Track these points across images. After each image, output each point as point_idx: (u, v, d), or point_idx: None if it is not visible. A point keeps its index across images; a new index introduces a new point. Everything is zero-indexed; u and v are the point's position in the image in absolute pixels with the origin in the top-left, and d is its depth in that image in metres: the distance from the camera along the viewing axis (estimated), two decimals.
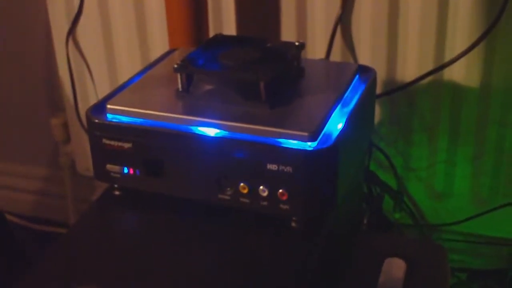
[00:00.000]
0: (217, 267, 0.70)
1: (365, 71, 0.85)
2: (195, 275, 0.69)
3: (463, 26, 1.05)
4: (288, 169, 0.69)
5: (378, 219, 1.11)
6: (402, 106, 1.13)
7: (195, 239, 0.74)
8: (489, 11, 1.03)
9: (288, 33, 1.13)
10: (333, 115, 0.74)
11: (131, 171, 0.76)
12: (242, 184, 0.71)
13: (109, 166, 0.77)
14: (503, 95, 1.09)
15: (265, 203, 0.71)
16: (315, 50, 1.13)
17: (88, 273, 0.70)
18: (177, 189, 0.75)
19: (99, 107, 0.77)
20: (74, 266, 0.71)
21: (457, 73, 1.08)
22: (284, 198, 0.70)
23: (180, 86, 0.77)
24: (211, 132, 0.71)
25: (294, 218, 0.73)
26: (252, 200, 0.72)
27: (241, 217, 0.74)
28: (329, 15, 1.10)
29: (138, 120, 0.74)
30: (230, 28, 1.16)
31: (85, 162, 1.39)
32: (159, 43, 1.21)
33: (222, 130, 0.71)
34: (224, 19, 1.15)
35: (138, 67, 1.19)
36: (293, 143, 0.68)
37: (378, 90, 1.07)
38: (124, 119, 0.75)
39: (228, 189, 0.72)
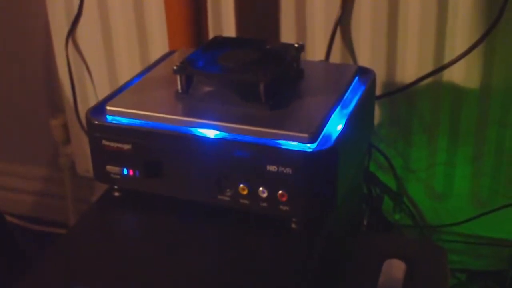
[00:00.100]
0: (216, 268, 0.70)
1: (364, 73, 0.85)
2: (195, 276, 0.69)
3: (463, 27, 1.05)
4: (288, 170, 0.69)
5: (378, 220, 1.11)
6: (402, 107, 1.13)
7: (195, 240, 0.74)
8: (489, 12, 1.03)
9: (287, 35, 1.13)
10: (332, 116, 0.74)
11: (131, 172, 0.76)
12: (242, 185, 0.71)
13: (109, 167, 0.77)
14: (503, 96, 1.09)
15: (265, 204, 0.71)
16: (315, 52, 1.13)
17: (87, 274, 0.70)
18: (177, 190, 0.75)
19: (99, 109, 0.77)
20: (74, 267, 0.71)
21: (457, 74, 1.08)
22: (284, 199, 0.70)
23: (179, 87, 0.77)
24: (211, 133, 0.71)
25: (294, 219, 0.73)
26: (252, 201, 0.72)
27: (241, 218, 0.74)
28: (328, 17, 1.10)
29: (138, 122, 0.74)
30: (229, 29, 1.16)
31: (85, 163, 1.39)
32: (158, 45, 1.21)
33: (221, 132, 0.71)
34: (224, 20, 1.15)
35: (137, 69, 1.20)
36: (292, 145, 0.69)
37: (378, 91, 1.07)
38: (124, 120, 0.75)
39: (228, 190, 0.72)
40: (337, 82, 0.83)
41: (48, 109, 1.46)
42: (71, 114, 1.35)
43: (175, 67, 0.76)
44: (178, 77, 0.77)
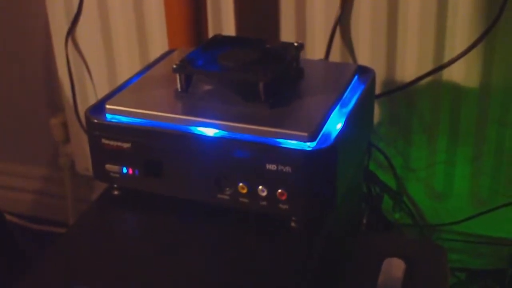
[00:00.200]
0: (216, 267, 0.70)
1: (364, 72, 0.85)
2: (195, 275, 0.69)
3: (462, 26, 1.05)
4: (287, 169, 0.69)
5: (378, 219, 1.11)
6: (402, 106, 1.13)
7: (194, 239, 0.74)
8: (489, 11, 1.02)
9: (287, 34, 1.13)
10: (332, 115, 0.74)
11: (130, 171, 0.76)
12: (241, 184, 0.71)
13: (108, 166, 0.77)
14: (502, 95, 1.09)
15: (264, 203, 0.71)
16: (314, 51, 1.13)
17: (87, 273, 0.70)
18: (176, 189, 0.75)
19: (98, 107, 0.77)
20: (74, 266, 0.71)
21: (457, 73, 1.08)
22: (283, 198, 0.70)
23: (179, 86, 0.77)
24: (210, 132, 0.71)
25: (293, 218, 0.73)
26: (252, 200, 0.72)
27: (240, 218, 0.74)
28: (328, 16, 1.10)
29: (137, 120, 0.74)
30: (229, 28, 1.16)
31: (84, 162, 1.39)
32: (158, 43, 1.21)
33: (221, 130, 0.71)
34: (224, 19, 1.15)
35: (137, 67, 1.19)
36: (292, 143, 0.69)
37: (378, 90, 1.07)
38: (123, 119, 0.75)
39: (227, 189, 0.72)
40: (336, 81, 0.82)
41: (48, 108, 1.46)
42: (70, 113, 1.35)
43: (174, 66, 0.76)
44: (177, 76, 0.77)
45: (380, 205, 1.11)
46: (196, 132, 0.71)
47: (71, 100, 1.33)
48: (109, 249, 0.73)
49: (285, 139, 0.69)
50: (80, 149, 1.38)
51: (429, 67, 1.08)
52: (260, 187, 0.71)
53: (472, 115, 1.11)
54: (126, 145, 0.74)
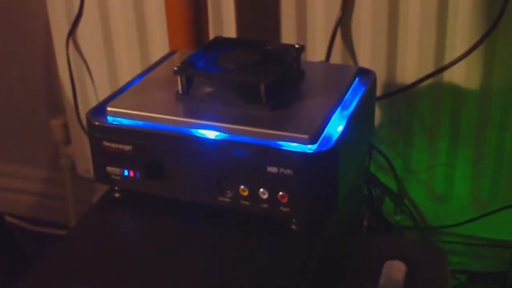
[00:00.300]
0: (217, 269, 0.70)
1: (365, 74, 0.85)
2: (196, 277, 0.69)
3: (463, 28, 1.05)
4: (288, 171, 0.69)
5: (378, 221, 1.11)
6: (402, 109, 1.13)
7: (195, 241, 0.74)
8: (489, 13, 1.03)
9: (288, 36, 1.13)
10: (333, 117, 0.74)
11: (132, 174, 0.76)
12: (242, 186, 0.71)
13: (109, 169, 0.77)
14: (503, 97, 1.09)
15: (265, 205, 0.71)
16: (315, 53, 1.13)
17: (88, 275, 0.70)
18: (178, 191, 0.75)
19: (99, 110, 0.77)
20: (74, 268, 0.71)
21: (457, 76, 1.08)
22: (284, 200, 0.70)
23: (180, 88, 0.77)
24: (211, 134, 0.71)
25: (294, 221, 0.73)
26: (253, 202, 0.72)
27: (241, 220, 0.74)
28: (329, 17, 1.10)
29: (139, 123, 0.74)
30: (230, 30, 1.16)
31: (85, 164, 1.39)
32: (159, 45, 1.21)
33: (222, 133, 0.71)
34: (224, 21, 1.15)
35: (138, 69, 1.20)
36: (293, 146, 0.69)
37: (378, 92, 1.07)
38: (125, 121, 0.75)
39: (228, 191, 0.72)
40: (337, 83, 0.82)
41: (49, 110, 1.46)
42: (71, 114, 1.35)
43: (175, 68, 0.76)
44: (178, 78, 0.77)
45: (381, 207, 1.11)
46: (197, 134, 0.71)
47: (71, 101, 1.33)
48: (110, 251, 0.73)
49: (286, 141, 0.69)
50: (81, 151, 1.38)
51: (429, 69, 1.08)
52: (261, 189, 0.71)
53: (473, 117, 1.11)
54: (127, 148, 0.74)
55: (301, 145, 0.68)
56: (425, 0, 1.05)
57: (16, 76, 1.47)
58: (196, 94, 0.77)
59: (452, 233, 1.20)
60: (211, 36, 1.10)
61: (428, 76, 1.08)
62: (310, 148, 0.68)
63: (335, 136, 0.71)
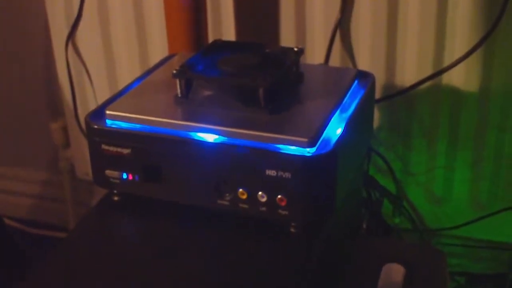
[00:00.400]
0: (215, 272, 0.70)
1: (364, 76, 0.85)
2: (195, 280, 0.69)
3: (462, 31, 1.05)
4: (287, 174, 0.69)
5: (377, 224, 1.11)
6: (401, 111, 1.13)
7: (194, 244, 0.74)
8: (488, 16, 1.03)
9: (287, 38, 1.13)
10: (332, 120, 0.74)
11: (130, 177, 0.76)
12: (241, 189, 0.71)
13: (108, 172, 0.77)
14: (502, 99, 1.09)
15: (264, 208, 0.71)
16: (314, 55, 1.13)
17: (87, 278, 0.70)
18: (176, 194, 0.75)
19: (98, 113, 0.77)
20: (73, 270, 0.71)
21: (456, 78, 1.08)
22: (283, 203, 0.70)
23: (179, 92, 0.77)
24: (210, 138, 0.71)
25: (293, 224, 0.73)
26: (251, 205, 0.72)
27: (240, 223, 0.74)
28: (328, 20, 1.10)
29: (137, 126, 0.74)
30: (229, 33, 1.16)
31: (84, 167, 1.39)
32: (158, 48, 1.21)
33: (221, 136, 0.71)
34: (224, 24, 1.16)
35: (137, 72, 1.20)
36: (292, 149, 0.69)
37: (378, 95, 1.07)
38: (123, 125, 0.75)
39: (227, 194, 0.72)
40: (336, 86, 0.83)
41: (48, 113, 1.46)
42: (70, 117, 1.35)
43: (174, 71, 0.76)
44: (177, 81, 0.77)
45: (380, 210, 1.11)
46: (196, 137, 0.71)
47: (71, 104, 1.33)
48: (109, 254, 0.73)
49: (285, 144, 0.69)
50: (80, 153, 1.38)
51: (428, 71, 1.08)
52: (260, 192, 0.71)
53: (472, 119, 1.11)
54: (126, 151, 0.74)
55: (300, 148, 0.68)
56: (424, 2, 1.05)
57: (15, 79, 1.47)
58: (195, 97, 0.77)
59: (451, 235, 1.20)
60: (210, 39, 1.10)
61: (427, 79, 1.09)
62: (308, 151, 0.68)
63: (333, 139, 0.71)
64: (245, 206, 0.72)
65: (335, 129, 0.73)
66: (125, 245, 0.75)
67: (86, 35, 1.26)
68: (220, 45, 0.86)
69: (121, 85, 0.86)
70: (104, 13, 1.22)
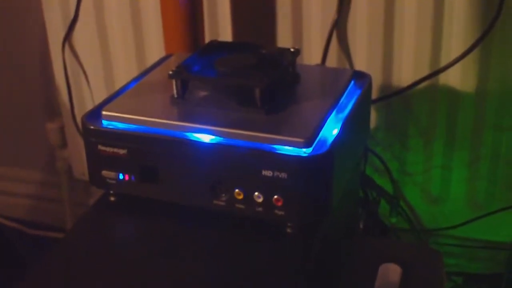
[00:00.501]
0: (212, 272, 0.70)
1: (360, 77, 0.85)
2: (192, 280, 0.69)
3: (458, 31, 1.05)
4: (283, 175, 0.69)
5: (374, 224, 1.11)
6: (398, 111, 1.13)
7: (191, 244, 0.74)
8: (484, 16, 1.03)
9: (283, 39, 1.13)
10: (328, 121, 0.74)
11: (127, 177, 0.76)
12: (237, 190, 0.71)
13: (104, 172, 0.77)
14: (498, 99, 1.09)
15: (260, 209, 0.71)
16: (311, 56, 1.13)
17: (84, 278, 0.70)
18: (173, 195, 0.75)
19: (95, 113, 0.77)
20: (71, 270, 0.71)
21: (453, 78, 1.08)
22: (279, 204, 0.70)
23: (175, 92, 0.77)
24: (206, 138, 0.71)
25: (289, 224, 0.73)
26: (247, 206, 0.72)
27: (236, 223, 0.74)
28: (324, 21, 1.10)
29: (134, 127, 0.74)
30: (226, 33, 1.16)
31: (81, 167, 1.39)
32: (155, 48, 1.21)
33: (217, 136, 0.71)
34: (220, 24, 1.16)
35: (134, 72, 1.20)
36: (288, 149, 0.69)
37: (374, 95, 1.07)
38: (120, 125, 0.75)
39: (223, 195, 0.72)
40: (333, 86, 0.83)
41: (45, 113, 1.46)
42: (67, 117, 1.35)
43: (171, 72, 0.76)
44: (174, 82, 0.77)
45: (377, 210, 1.11)
46: (192, 138, 0.71)
47: (68, 105, 1.33)
48: (106, 254, 0.73)
49: (281, 145, 0.69)
50: (77, 154, 1.38)
51: (425, 71, 1.09)
52: (256, 193, 0.71)
53: (469, 119, 1.11)
54: (122, 151, 0.74)
55: (296, 148, 0.68)
56: (421, 3, 1.05)
57: (12, 80, 1.47)
58: (191, 98, 0.77)
59: (448, 235, 1.20)
60: (207, 39, 1.10)
61: (423, 79, 1.09)
62: (305, 151, 0.68)
63: (330, 140, 0.71)
64: (242, 206, 0.72)
65: (331, 130, 0.73)
66: (122, 245, 0.75)
67: (83, 35, 1.26)
68: (217, 45, 0.86)
69: (118, 86, 0.86)
70: (100, 14, 1.22)
